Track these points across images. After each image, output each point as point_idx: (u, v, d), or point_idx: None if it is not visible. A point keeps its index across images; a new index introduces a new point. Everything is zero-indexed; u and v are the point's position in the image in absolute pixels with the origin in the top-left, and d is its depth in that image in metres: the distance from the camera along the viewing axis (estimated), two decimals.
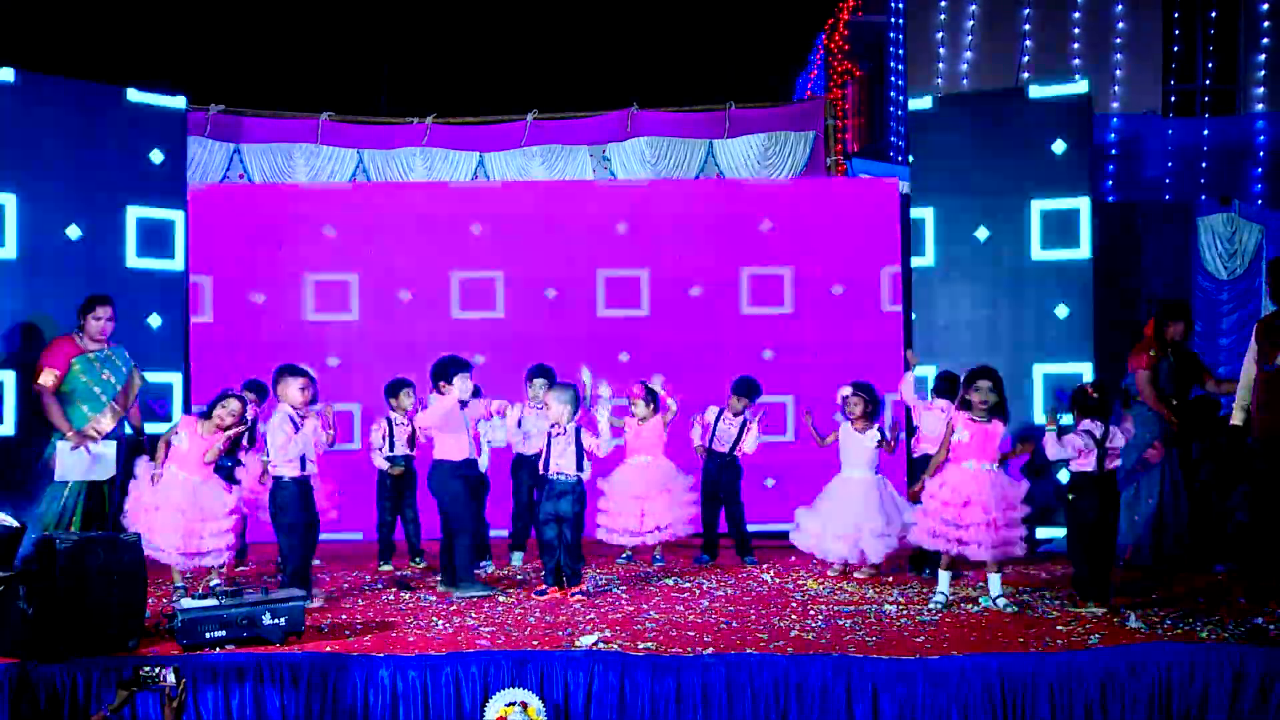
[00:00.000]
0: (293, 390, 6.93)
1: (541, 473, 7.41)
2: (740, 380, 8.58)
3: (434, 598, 7.10)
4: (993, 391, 6.86)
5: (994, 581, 6.82)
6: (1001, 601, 6.74)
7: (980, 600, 6.83)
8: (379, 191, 10.52)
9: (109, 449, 7.47)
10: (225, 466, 7.53)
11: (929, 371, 8.62)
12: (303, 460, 6.90)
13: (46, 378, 7.34)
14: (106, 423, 7.48)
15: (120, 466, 7.54)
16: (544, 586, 7.22)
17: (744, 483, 8.68)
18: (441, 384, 7.22)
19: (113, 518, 7.32)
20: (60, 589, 5.41)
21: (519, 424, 8.07)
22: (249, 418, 7.44)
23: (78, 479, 7.39)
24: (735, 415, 8.49)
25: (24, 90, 8.14)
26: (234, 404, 7.11)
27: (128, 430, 7.76)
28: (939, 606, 6.70)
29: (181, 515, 6.88)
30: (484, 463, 8.04)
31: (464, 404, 7.30)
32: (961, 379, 7.12)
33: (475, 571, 7.44)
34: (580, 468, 7.25)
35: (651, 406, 8.35)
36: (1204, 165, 13.34)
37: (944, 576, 6.92)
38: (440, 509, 7.36)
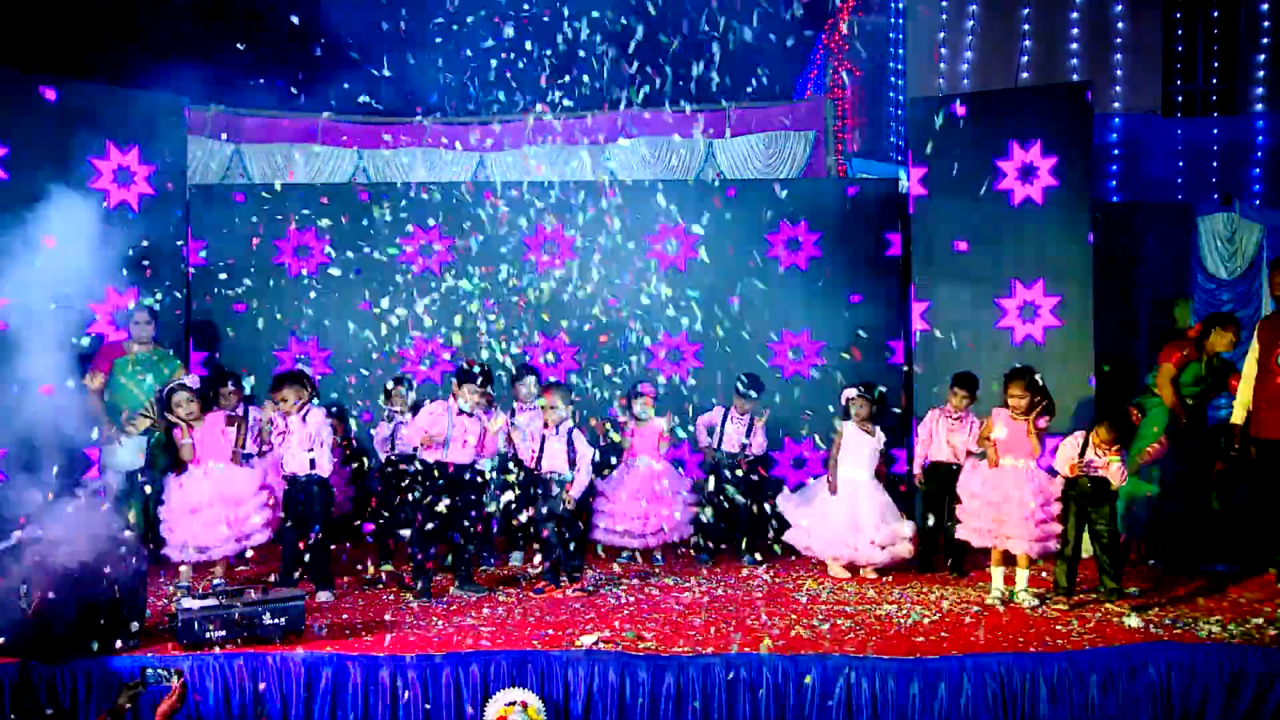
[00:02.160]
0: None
1: (534, 471, 7.50)
2: (750, 378, 8.55)
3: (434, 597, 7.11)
4: (1022, 396, 7.00)
5: (1021, 576, 6.97)
6: (1023, 596, 6.84)
7: (1009, 595, 6.93)
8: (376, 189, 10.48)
9: (135, 442, 7.79)
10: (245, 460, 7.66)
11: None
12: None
13: (91, 380, 7.85)
14: (141, 420, 7.80)
15: (151, 466, 7.81)
16: (542, 584, 7.27)
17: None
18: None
19: (146, 522, 7.58)
20: (60, 588, 5.41)
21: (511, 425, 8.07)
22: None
23: (114, 471, 7.77)
24: (742, 414, 8.50)
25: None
26: (180, 395, 7.19)
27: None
28: (997, 603, 6.81)
29: (222, 507, 7.04)
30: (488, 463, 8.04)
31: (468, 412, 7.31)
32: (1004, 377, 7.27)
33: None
34: (573, 466, 7.31)
35: (653, 408, 8.36)
36: (1205, 165, 13.34)
37: (996, 573, 7.03)
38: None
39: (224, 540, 7.05)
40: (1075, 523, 6.93)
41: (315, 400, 7.69)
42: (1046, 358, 8.75)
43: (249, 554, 7.33)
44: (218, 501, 7.06)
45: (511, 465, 7.97)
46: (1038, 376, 7.13)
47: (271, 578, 7.35)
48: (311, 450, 7.15)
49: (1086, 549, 7.02)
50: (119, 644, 5.56)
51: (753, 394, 8.44)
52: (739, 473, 8.46)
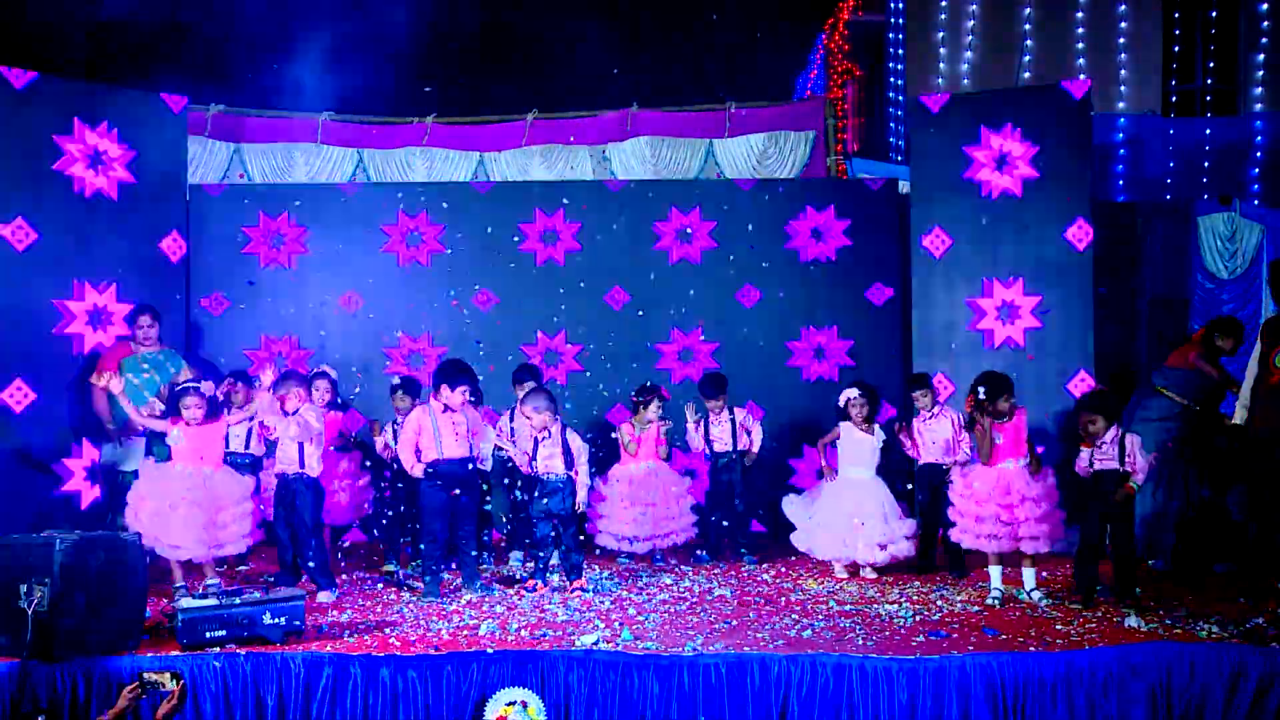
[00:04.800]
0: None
1: (529, 472, 7.54)
2: (705, 378, 8.64)
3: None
4: (1006, 400, 7.03)
5: (1029, 576, 6.98)
6: (1036, 595, 6.87)
7: (1015, 594, 6.94)
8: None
9: (136, 442, 7.96)
10: (245, 464, 7.69)
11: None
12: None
13: (99, 379, 7.88)
14: (146, 414, 7.83)
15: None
16: (534, 584, 7.29)
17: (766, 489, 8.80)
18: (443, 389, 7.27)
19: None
20: (60, 588, 5.41)
21: (512, 432, 8.09)
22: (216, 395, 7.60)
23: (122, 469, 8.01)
24: (718, 414, 8.50)
25: None
26: (190, 399, 7.12)
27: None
28: (996, 602, 6.81)
29: (200, 509, 6.93)
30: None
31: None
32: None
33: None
34: (569, 466, 7.36)
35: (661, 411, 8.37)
36: (1205, 165, 13.35)
37: (995, 572, 7.04)
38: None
39: (197, 543, 6.90)
40: (1097, 523, 6.89)
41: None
42: (1045, 359, 8.79)
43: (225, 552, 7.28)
44: (197, 503, 6.94)
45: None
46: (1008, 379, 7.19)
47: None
48: (302, 448, 7.16)
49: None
50: (120, 644, 5.58)
51: (716, 394, 8.45)
52: (730, 473, 8.49)
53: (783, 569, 8.07)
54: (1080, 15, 14.27)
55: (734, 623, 6.32)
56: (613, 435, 8.46)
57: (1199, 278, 10.93)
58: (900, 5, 14.93)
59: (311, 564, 7.17)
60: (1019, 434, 7.02)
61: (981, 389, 7.00)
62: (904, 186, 9.91)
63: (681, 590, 7.31)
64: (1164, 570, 7.83)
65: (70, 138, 8.42)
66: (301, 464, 7.18)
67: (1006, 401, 7.00)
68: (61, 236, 8.38)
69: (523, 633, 6.04)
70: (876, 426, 7.93)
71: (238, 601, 5.79)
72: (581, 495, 7.47)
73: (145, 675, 4.82)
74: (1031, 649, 5.68)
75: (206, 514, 6.96)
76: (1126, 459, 6.78)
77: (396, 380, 8.25)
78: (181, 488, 6.96)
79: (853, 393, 7.93)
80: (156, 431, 7.33)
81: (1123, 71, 14.24)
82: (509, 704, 5.27)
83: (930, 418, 8.02)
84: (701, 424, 8.53)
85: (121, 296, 8.60)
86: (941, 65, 14.47)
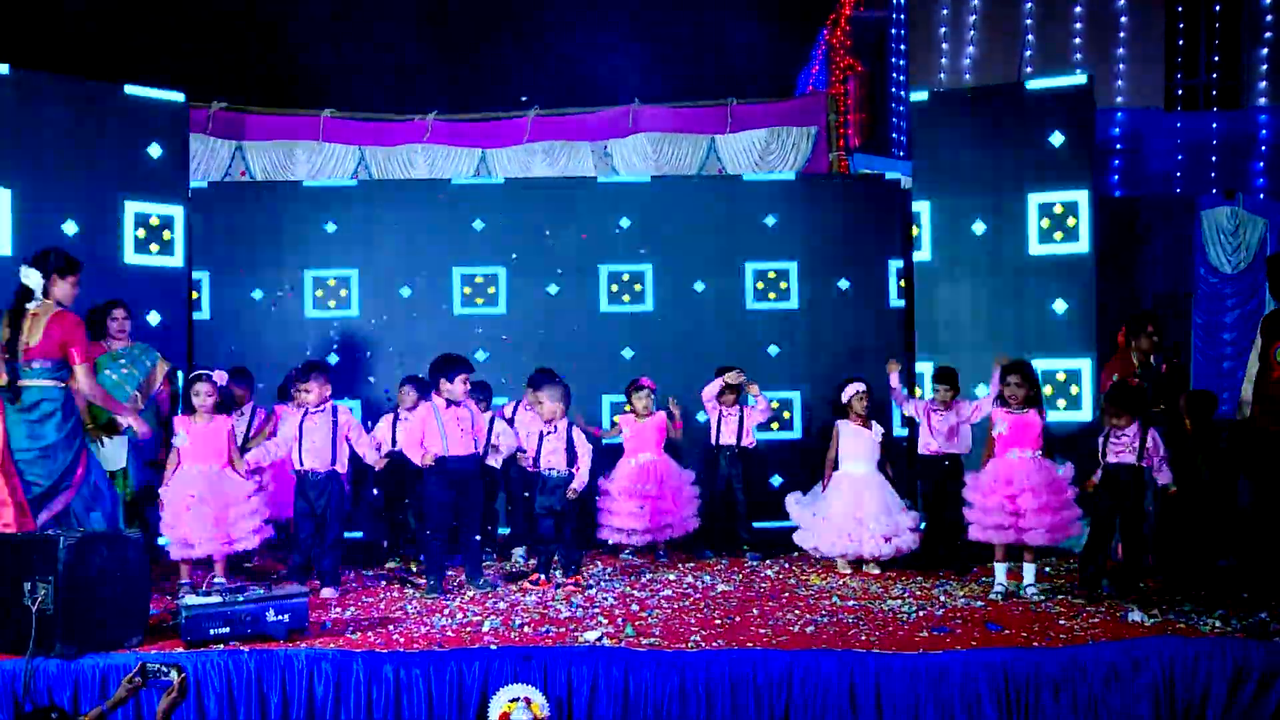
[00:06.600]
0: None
1: (532, 469, 7.56)
2: (720, 370, 8.64)
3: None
4: (1021, 385, 7.08)
5: (1028, 571, 6.99)
6: (1031, 590, 6.87)
7: (1017, 590, 6.93)
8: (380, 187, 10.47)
9: (119, 440, 7.73)
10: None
11: (926, 368, 8.69)
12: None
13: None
14: (129, 411, 7.75)
15: (135, 461, 7.78)
16: (537, 577, 7.33)
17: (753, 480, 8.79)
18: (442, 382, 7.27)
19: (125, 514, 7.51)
20: (63, 586, 5.42)
21: (513, 422, 8.12)
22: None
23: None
24: (729, 408, 8.52)
25: (19, 85, 8.24)
26: (202, 385, 7.17)
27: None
28: (999, 597, 6.81)
29: (210, 505, 6.98)
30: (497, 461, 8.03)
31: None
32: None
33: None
34: (571, 463, 7.35)
35: (654, 401, 8.40)
36: (1208, 159, 13.34)
37: (999, 569, 7.05)
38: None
39: (210, 539, 6.96)
40: (1109, 518, 6.89)
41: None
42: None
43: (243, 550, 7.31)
44: (206, 500, 6.99)
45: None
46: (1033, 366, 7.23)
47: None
48: (335, 446, 7.17)
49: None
50: (124, 641, 5.58)
51: (730, 385, 8.47)
52: (734, 467, 8.51)
53: (786, 565, 8.07)
54: (1083, 10, 14.26)
55: (737, 619, 6.32)
56: (613, 421, 8.53)
57: (1202, 272, 10.91)
58: (902, 1, 14.92)
59: (329, 561, 7.18)
60: (1028, 429, 7.03)
61: (1001, 367, 7.23)
62: (905, 182, 9.89)
63: (685, 586, 7.32)
64: (1163, 565, 7.81)
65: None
66: (334, 460, 7.19)
67: (1018, 387, 7.07)
68: None
69: (526, 629, 6.05)
70: (874, 422, 7.96)
71: (241, 599, 5.79)
72: (578, 483, 7.39)
73: (146, 665, 4.80)
74: (1035, 644, 5.68)
75: (216, 510, 7.00)
76: (1146, 454, 6.81)
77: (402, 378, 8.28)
78: (191, 487, 7.01)
79: (858, 388, 7.96)
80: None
81: (1122, 66, 14.22)
82: (512, 700, 5.27)
83: (945, 408, 8.00)
84: (715, 419, 8.55)
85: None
86: (943, 60, 14.47)
